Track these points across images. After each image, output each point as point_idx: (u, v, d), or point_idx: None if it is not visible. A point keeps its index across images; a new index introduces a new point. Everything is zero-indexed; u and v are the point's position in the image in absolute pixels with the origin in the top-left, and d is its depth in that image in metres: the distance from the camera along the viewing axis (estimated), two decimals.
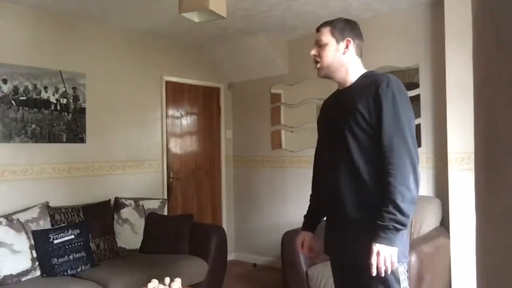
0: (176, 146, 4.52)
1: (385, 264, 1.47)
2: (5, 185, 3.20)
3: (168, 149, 4.42)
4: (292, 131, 4.55)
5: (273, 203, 4.66)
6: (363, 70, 1.74)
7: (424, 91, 3.50)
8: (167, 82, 4.41)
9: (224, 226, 4.77)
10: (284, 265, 3.23)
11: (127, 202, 3.66)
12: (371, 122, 1.57)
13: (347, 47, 1.69)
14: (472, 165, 2.65)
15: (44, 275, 2.92)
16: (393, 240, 1.48)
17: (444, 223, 3.20)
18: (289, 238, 3.22)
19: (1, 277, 2.74)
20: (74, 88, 3.62)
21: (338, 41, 1.69)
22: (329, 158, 1.72)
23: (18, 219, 2.94)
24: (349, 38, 1.69)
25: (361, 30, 1.77)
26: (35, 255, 2.93)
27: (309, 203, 1.98)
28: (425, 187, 3.38)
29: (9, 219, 2.89)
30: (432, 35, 3.47)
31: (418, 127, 3.38)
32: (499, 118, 0.49)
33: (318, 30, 1.75)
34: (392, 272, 1.51)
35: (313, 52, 1.74)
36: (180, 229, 3.57)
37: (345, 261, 1.68)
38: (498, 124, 0.49)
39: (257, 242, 4.78)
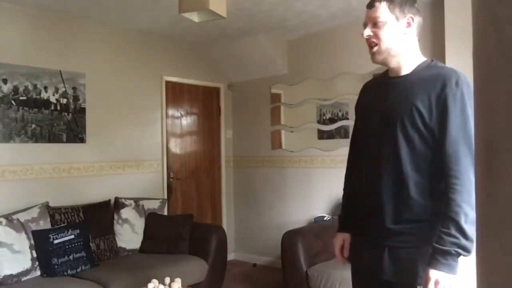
0: (176, 146, 4.52)
1: None
2: (5, 185, 3.20)
3: (168, 149, 4.41)
4: (292, 131, 4.55)
5: (273, 203, 4.66)
6: (421, 57, 1.48)
7: None
8: (167, 82, 4.41)
9: (224, 226, 4.77)
10: (284, 265, 3.23)
11: (127, 202, 3.66)
12: (429, 124, 1.34)
13: (409, 25, 1.43)
14: None
15: (44, 275, 2.92)
16: (454, 268, 1.28)
17: None
18: (289, 238, 3.22)
19: (1, 277, 2.74)
20: (74, 88, 3.62)
21: (398, 19, 1.42)
22: (372, 156, 1.48)
23: (18, 219, 2.94)
24: (411, 15, 1.43)
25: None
26: (35, 255, 2.92)
27: (343, 202, 1.71)
28: None
29: (9, 219, 2.89)
30: (432, 35, 3.47)
31: None
32: (499, 118, 0.49)
33: (372, 5, 1.45)
34: None
35: (368, 32, 1.44)
36: (180, 229, 3.57)
37: (380, 276, 1.45)
38: (498, 124, 0.49)
39: (257, 242, 4.78)
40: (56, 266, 2.94)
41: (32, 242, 2.94)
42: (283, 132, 4.67)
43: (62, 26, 3.58)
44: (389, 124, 1.42)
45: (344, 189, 1.72)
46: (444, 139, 1.32)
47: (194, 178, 4.68)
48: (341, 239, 1.65)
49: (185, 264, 3.28)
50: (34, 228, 2.98)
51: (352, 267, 1.65)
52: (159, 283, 2.38)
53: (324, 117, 4.22)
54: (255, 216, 4.84)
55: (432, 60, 1.48)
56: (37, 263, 2.93)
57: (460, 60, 3.02)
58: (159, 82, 4.33)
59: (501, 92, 0.48)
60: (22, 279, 2.82)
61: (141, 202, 3.74)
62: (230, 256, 4.56)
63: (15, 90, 3.27)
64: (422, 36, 3.65)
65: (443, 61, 3.18)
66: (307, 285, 3.08)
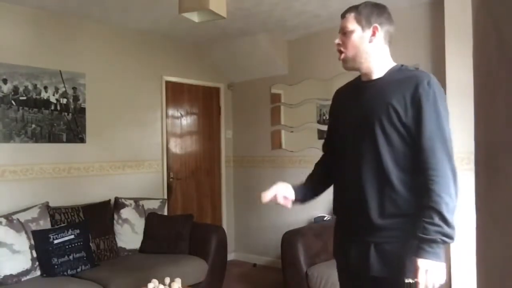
0: (176, 146, 4.52)
1: (433, 281, 1.34)
2: (5, 185, 3.20)
3: (168, 149, 4.41)
4: (292, 131, 4.55)
5: (273, 203, 4.65)
6: (392, 62, 1.58)
7: None
8: (167, 82, 4.41)
9: (224, 226, 4.77)
10: (284, 265, 3.23)
11: (127, 202, 3.66)
12: (405, 121, 1.42)
13: (373, 34, 1.52)
14: (472, 165, 2.65)
15: (44, 275, 2.92)
16: (440, 255, 1.34)
17: None
18: (289, 238, 3.22)
19: (1, 277, 2.74)
20: (74, 88, 3.62)
21: (364, 28, 1.52)
22: (353, 158, 1.54)
23: (18, 219, 2.94)
24: (376, 25, 1.52)
25: None
26: (35, 255, 2.92)
27: (308, 179, 1.81)
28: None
29: (9, 219, 2.89)
30: (432, 35, 3.47)
31: None
32: (499, 118, 0.49)
33: (343, 16, 1.57)
34: None
35: (337, 41, 1.57)
36: (180, 229, 3.57)
37: (368, 272, 1.49)
38: (498, 124, 0.49)
39: (257, 242, 4.78)
40: (56, 266, 2.94)
41: (32, 242, 2.94)
42: (283, 132, 4.67)
43: (62, 26, 3.58)
44: (367, 124, 1.49)
45: (313, 170, 1.82)
46: (420, 135, 1.40)
47: (194, 178, 4.68)
48: (285, 186, 1.76)
49: (185, 264, 3.28)
50: (34, 228, 2.98)
51: (338, 266, 1.70)
52: (159, 283, 2.38)
53: (324, 117, 4.22)
54: (255, 216, 4.84)
55: (402, 65, 1.59)
56: (37, 263, 2.93)
57: (460, 60, 3.02)
58: (159, 82, 4.33)
59: (501, 92, 0.48)
60: (22, 279, 2.82)
61: (141, 202, 3.74)
62: (230, 256, 4.56)
63: (15, 90, 3.27)
64: (423, 36, 3.67)
65: (443, 61, 3.18)
66: (307, 285, 3.08)
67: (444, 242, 1.35)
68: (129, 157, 4.02)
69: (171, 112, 4.47)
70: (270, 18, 3.79)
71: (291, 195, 1.75)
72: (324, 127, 4.24)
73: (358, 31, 1.53)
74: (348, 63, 1.56)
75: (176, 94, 4.52)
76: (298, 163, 4.45)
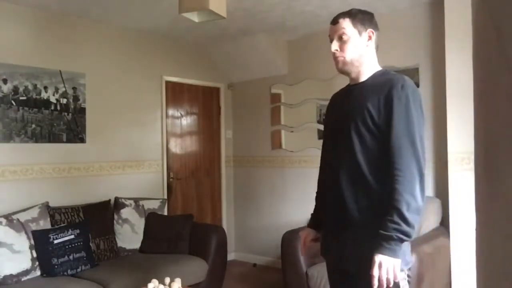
0: (176, 146, 4.52)
1: (387, 276, 1.39)
2: (5, 185, 3.20)
3: (168, 149, 4.42)
4: (292, 131, 4.55)
5: (273, 203, 4.66)
6: (378, 67, 1.64)
7: (424, 91, 3.50)
8: (167, 82, 4.41)
9: (224, 226, 4.77)
10: (284, 265, 3.23)
11: (127, 202, 3.66)
12: (378, 123, 1.48)
13: (370, 38, 1.59)
14: (472, 165, 2.65)
15: (44, 275, 2.92)
16: (396, 251, 1.40)
17: (444, 223, 3.20)
18: (289, 238, 3.22)
19: (1, 277, 2.74)
20: (74, 88, 3.62)
21: (360, 33, 1.58)
22: (332, 157, 1.64)
23: (18, 219, 2.94)
24: (371, 29, 1.59)
25: None
26: (35, 255, 2.93)
27: (316, 201, 1.87)
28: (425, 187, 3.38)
29: (9, 219, 2.89)
30: (432, 35, 3.47)
31: None
32: (499, 118, 0.49)
33: (335, 22, 1.61)
34: (394, 283, 1.41)
35: (335, 47, 1.60)
36: (180, 229, 3.57)
37: (344, 267, 1.58)
38: (498, 124, 0.49)
39: (257, 242, 4.78)
40: (56, 266, 2.94)
41: (32, 242, 2.94)
42: (283, 132, 4.67)
43: (62, 26, 3.58)
44: (345, 125, 1.56)
45: (317, 187, 1.87)
46: (389, 134, 1.46)
47: (194, 178, 4.68)
48: (306, 233, 1.84)
49: (185, 264, 3.28)
50: (34, 228, 2.98)
51: (326, 264, 1.78)
52: (159, 283, 2.38)
53: (324, 117, 4.22)
54: (255, 216, 4.84)
55: (385, 70, 1.64)
56: (37, 263, 2.93)
57: (460, 60, 3.02)
58: (159, 82, 4.34)
59: (501, 92, 0.48)
60: (22, 279, 2.82)
61: (141, 202, 3.74)
62: (230, 256, 4.56)
63: (15, 90, 3.27)
64: (423, 36, 3.66)
65: (443, 61, 3.18)
66: (307, 285, 3.08)
67: (401, 240, 1.40)
68: (129, 157, 4.03)
69: (171, 112, 4.47)
70: (270, 18, 3.79)
71: (313, 233, 1.86)
72: None
73: (356, 36, 1.58)
74: (345, 66, 1.61)
75: (176, 94, 4.52)
76: (298, 163, 4.46)
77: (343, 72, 1.64)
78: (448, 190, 3.06)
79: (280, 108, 4.67)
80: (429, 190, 3.42)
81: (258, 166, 4.83)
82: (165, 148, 4.36)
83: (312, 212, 1.89)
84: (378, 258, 1.40)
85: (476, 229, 0.59)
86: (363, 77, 1.61)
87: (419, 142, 1.46)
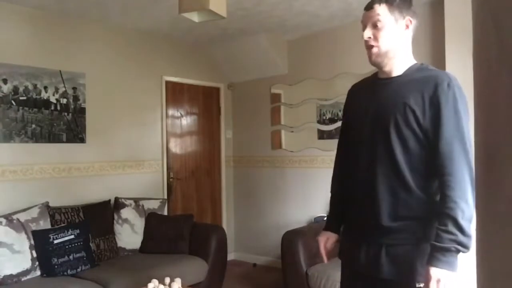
0: (176, 146, 4.52)
1: None
2: (5, 185, 3.20)
3: (168, 149, 4.41)
4: (292, 131, 4.55)
5: (273, 203, 4.66)
6: (413, 60, 1.50)
7: None
8: (167, 82, 4.41)
9: (224, 226, 4.77)
10: (284, 265, 3.23)
11: (127, 202, 3.66)
12: (423, 123, 1.36)
13: (407, 27, 1.44)
14: None
15: (44, 275, 2.92)
16: (454, 264, 1.29)
17: None
18: (289, 238, 3.22)
19: (1, 277, 2.74)
20: (74, 88, 3.62)
21: (397, 21, 1.43)
22: (366, 157, 1.49)
23: (18, 219, 2.94)
24: (409, 17, 1.44)
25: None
26: (35, 255, 2.92)
27: (331, 202, 1.74)
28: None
29: (9, 219, 2.89)
30: (432, 35, 3.47)
31: None
32: (499, 118, 0.49)
33: (370, 7, 1.45)
34: None
35: (368, 34, 1.45)
36: (180, 229, 3.57)
37: (377, 274, 1.44)
38: (498, 124, 0.49)
39: (257, 242, 4.78)
40: (56, 266, 2.94)
41: (32, 242, 2.94)
42: (283, 132, 4.67)
43: (62, 26, 3.58)
44: (382, 124, 1.43)
45: (332, 190, 1.74)
46: (438, 138, 1.34)
47: (194, 178, 4.68)
48: (326, 237, 1.69)
49: (185, 264, 3.28)
50: (34, 228, 2.98)
51: (345, 268, 1.65)
52: (159, 283, 2.38)
53: (324, 117, 4.22)
54: (255, 216, 4.84)
55: (422, 64, 1.50)
56: (37, 263, 2.93)
57: (460, 60, 3.02)
58: (159, 82, 4.33)
59: (501, 92, 0.48)
60: (22, 279, 2.82)
61: (141, 202, 3.74)
62: (230, 256, 4.56)
63: (15, 90, 3.27)
64: (422, 36, 3.66)
65: (443, 61, 3.18)
66: (307, 285, 3.08)
67: (459, 251, 1.29)
68: (129, 157, 4.02)
69: (171, 112, 4.47)
70: (270, 18, 3.79)
71: (333, 236, 1.71)
72: (324, 127, 4.25)
73: (391, 24, 1.43)
74: (379, 57, 1.46)
75: (176, 94, 4.52)
76: (298, 163, 4.46)
77: (376, 64, 1.49)
78: None
79: (280, 108, 4.67)
80: None
81: (258, 166, 4.83)
82: (165, 148, 4.36)
83: (328, 214, 1.77)
84: (435, 272, 1.29)
85: (476, 229, 0.59)
86: (398, 71, 1.47)
87: (470, 145, 1.34)
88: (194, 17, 2.42)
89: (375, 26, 1.44)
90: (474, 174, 1.30)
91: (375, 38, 1.45)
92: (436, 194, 1.39)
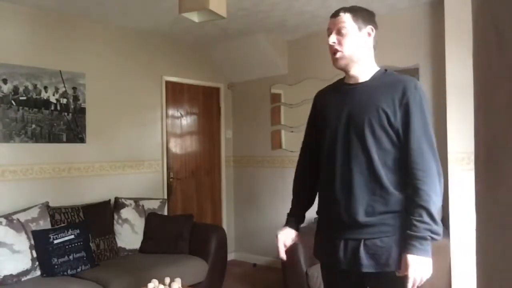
0: (176, 146, 4.52)
1: (422, 276, 1.41)
2: (5, 185, 3.20)
3: (168, 149, 4.42)
4: (292, 131, 4.55)
5: (273, 203, 4.66)
6: (376, 66, 1.62)
7: (424, 91, 3.50)
8: (167, 82, 4.41)
9: (224, 226, 4.77)
10: (284, 265, 3.23)
11: (127, 202, 3.66)
12: (394, 124, 1.47)
13: (369, 35, 1.57)
14: (472, 165, 2.65)
15: (44, 275, 2.92)
16: (429, 251, 1.42)
17: (444, 223, 3.19)
18: None
19: (1, 277, 2.74)
20: (74, 88, 3.62)
21: (360, 29, 1.55)
22: (341, 157, 1.56)
23: (18, 219, 2.94)
24: (371, 26, 1.57)
25: None
26: (35, 255, 2.93)
27: (292, 201, 1.84)
28: None
29: (9, 219, 2.89)
30: (432, 35, 3.47)
31: None
32: (499, 118, 0.49)
33: (336, 15, 1.59)
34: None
35: (333, 39, 1.57)
36: (180, 229, 3.57)
37: (358, 269, 1.51)
38: (498, 124, 0.49)
39: (257, 242, 4.78)
40: (56, 266, 2.94)
41: (32, 242, 2.94)
42: (283, 132, 4.67)
43: (62, 26, 3.58)
44: (357, 125, 1.52)
45: (294, 190, 1.83)
46: (409, 136, 1.46)
47: (194, 178, 4.68)
48: (285, 235, 1.77)
49: (185, 264, 3.28)
50: (34, 228, 2.98)
51: (324, 265, 1.73)
52: (159, 283, 2.38)
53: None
54: (255, 216, 4.84)
55: (386, 70, 1.62)
56: (37, 263, 2.93)
57: (460, 60, 3.02)
58: (159, 82, 4.34)
59: (501, 92, 0.48)
60: (22, 279, 2.82)
61: (141, 202, 3.74)
62: (230, 256, 4.56)
63: (15, 90, 3.27)
64: (422, 36, 3.66)
65: (443, 61, 3.18)
66: (307, 285, 3.08)
67: (433, 239, 1.42)
68: (129, 157, 4.03)
69: (171, 112, 4.47)
70: (270, 18, 3.79)
71: (293, 234, 1.80)
72: None
73: (355, 31, 1.55)
74: (343, 61, 1.57)
75: (176, 94, 4.52)
76: None
77: (341, 68, 1.61)
78: (448, 190, 3.06)
79: (280, 108, 4.67)
80: None
81: (258, 166, 4.83)
82: (165, 148, 4.36)
83: (289, 212, 1.84)
84: (413, 259, 1.40)
85: (476, 229, 0.59)
86: (364, 77, 1.58)
87: (434, 141, 1.48)
88: (194, 17, 2.42)
89: (339, 33, 1.56)
90: (440, 168, 1.47)
91: (340, 43, 1.56)
92: (406, 189, 1.48)
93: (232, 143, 5.11)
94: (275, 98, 4.71)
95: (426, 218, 1.41)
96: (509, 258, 0.46)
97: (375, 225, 1.50)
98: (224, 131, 5.01)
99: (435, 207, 1.42)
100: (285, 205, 4.85)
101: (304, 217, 1.84)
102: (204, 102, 4.82)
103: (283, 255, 1.76)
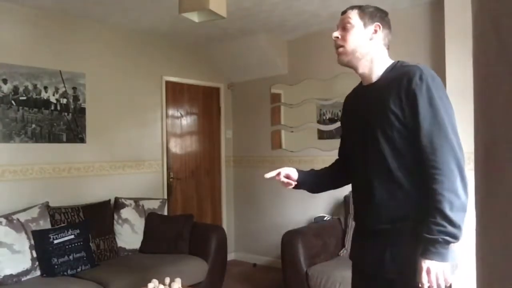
0: (176, 146, 4.52)
1: (437, 282, 1.31)
2: (5, 185, 3.20)
3: (168, 149, 4.42)
4: (292, 131, 4.55)
5: (273, 203, 4.66)
6: (389, 62, 1.56)
7: None
8: (167, 82, 4.41)
9: (224, 226, 4.77)
10: (284, 265, 3.23)
11: (127, 202, 3.66)
12: (406, 122, 1.39)
13: (375, 32, 1.52)
14: (472, 165, 2.65)
15: (44, 275, 2.92)
16: (444, 255, 1.31)
17: None
18: (289, 238, 3.22)
19: (1, 277, 2.74)
20: (74, 88, 3.62)
21: (366, 25, 1.52)
22: (360, 164, 1.55)
23: (18, 219, 2.94)
24: (378, 23, 1.52)
25: None
26: (35, 255, 2.93)
27: (317, 170, 1.81)
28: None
29: (9, 219, 2.89)
30: (432, 35, 3.47)
31: None
32: (498, 118, 0.49)
33: (344, 12, 1.57)
34: None
35: (336, 34, 1.56)
36: (180, 229, 3.57)
37: (383, 273, 1.48)
38: (497, 124, 0.49)
39: (257, 242, 4.78)
40: (56, 266, 2.94)
41: (32, 242, 2.94)
42: (283, 132, 4.67)
43: (62, 26, 3.58)
44: (370, 130, 1.49)
45: (323, 168, 1.82)
46: (418, 132, 1.37)
47: (194, 178, 4.68)
48: (289, 169, 1.74)
49: (185, 264, 3.29)
50: (34, 228, 2.98)
51: (354, 266, 1.70)
52: (159, 283, 2.38)
53: (324, 117, 4.22)
54: (255, 216, 4.84)
55: (398, 61, 1.55)
56: (37, 263, 2.93)
57: (460, 60, 3.02)
58: (159, 82, 4.34)
59: (501, 92, 0.48)
60: (22, 279, 2.82)
61: (141, 202, 3.74)
62: (230, 256, 4.57)
63: (15, 90, 3.27)
64: (422, 36, 3.66)
65: (443, 61, 3.18)
66: (307, 285, 3.08)
67: (448, 242, 1.31)
68: (129, 157, 4.03)
69: (171, 112, 4.47)
70: (270, 18, 3.79)
71: (294, 175, 1.74)
72: (324, 127, 4.25)
73: (360, 27, 1.52)
74: (345, 57, 1.54)
75: (176, 94, 4.52)
76: (298, 163, 4.45)
77: (344, 64, 1.56)
78: None
79: (280, 108, 4.67)
80: None
81: (258, 166, 4.83)
82: (165, 148, 4.36)
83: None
84: (426, 263, 1.32)
85: (476, 229, 0.59)
86: (376, 76, 1.54)
87: (452, 134, 1.35)
88: (194, 17, 2.42)
89: (344, 28, 1.55)
90: (462, 162, 1.33)
91: (343, 39, 1.54)
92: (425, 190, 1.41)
93: (232, 143, 5.11)
94: (275, 98, 4.71)
95: (439, 219, 1.30)
96: (509, 258, 0.46)
97: (401, 232, 1.44)
98: (224, 131, 5.01)
99: (452, 207, 1.30)
100: (285, 205, 4.89)
101: (309, 183, 1.77)
102: (204, 102, 4.82)
103: (268, 175, 1.75)
